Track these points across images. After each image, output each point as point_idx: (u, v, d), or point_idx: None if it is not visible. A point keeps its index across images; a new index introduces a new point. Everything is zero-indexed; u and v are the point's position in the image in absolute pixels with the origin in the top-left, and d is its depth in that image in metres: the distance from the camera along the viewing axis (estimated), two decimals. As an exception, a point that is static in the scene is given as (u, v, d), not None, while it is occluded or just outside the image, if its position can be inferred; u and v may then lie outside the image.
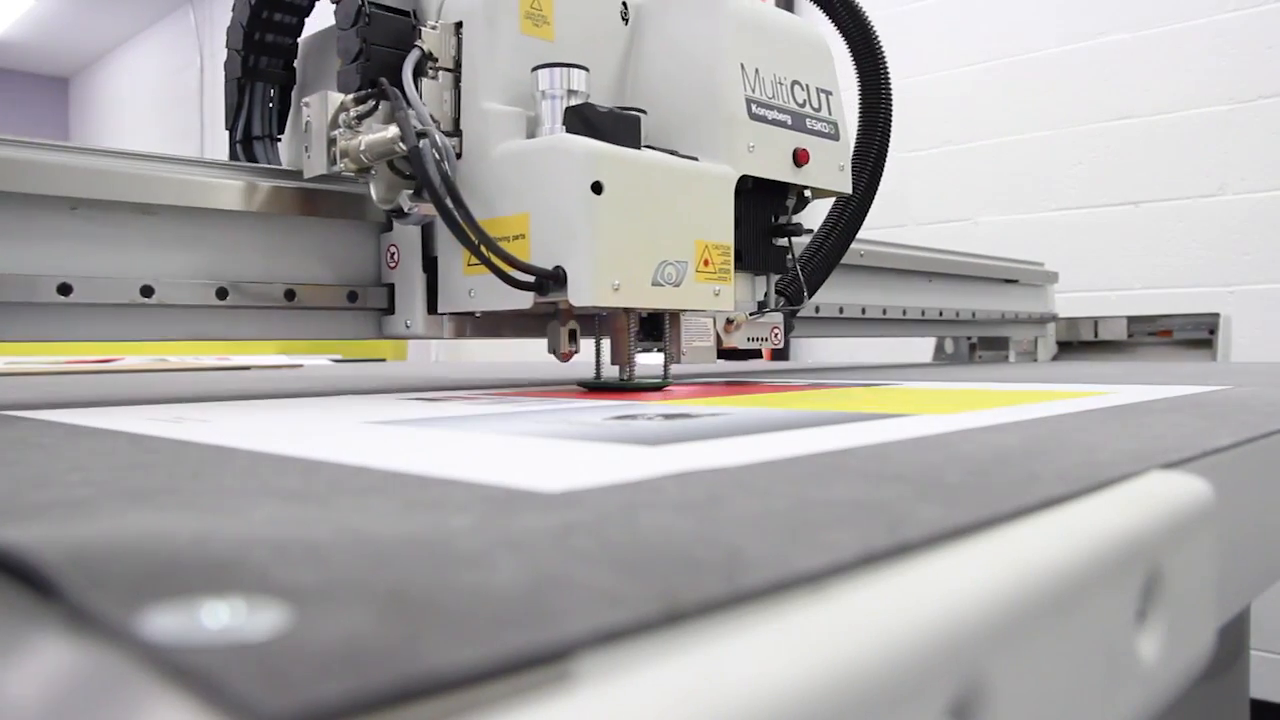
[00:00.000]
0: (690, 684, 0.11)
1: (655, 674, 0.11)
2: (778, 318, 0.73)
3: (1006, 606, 0.15)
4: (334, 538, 0.17)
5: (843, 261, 0.99)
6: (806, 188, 0.71)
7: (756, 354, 0.73)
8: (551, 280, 0.55)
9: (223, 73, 0.79)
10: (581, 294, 0.55)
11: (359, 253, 0.70)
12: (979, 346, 1.49)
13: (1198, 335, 1.41)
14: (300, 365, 1.53)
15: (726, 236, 0.63)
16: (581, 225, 0.55)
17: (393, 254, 0.69)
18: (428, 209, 0.60)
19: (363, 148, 0.58)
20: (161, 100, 5.15)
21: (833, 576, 0.15)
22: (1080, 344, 1.50)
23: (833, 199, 0.80)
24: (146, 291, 0.59)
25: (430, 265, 0.67)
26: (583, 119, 0.58)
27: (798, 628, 0.12)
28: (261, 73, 0.77)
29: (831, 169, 0.72)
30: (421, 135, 0.55)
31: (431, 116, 0.59)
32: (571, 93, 0.60)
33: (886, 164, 0.83)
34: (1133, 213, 1.85)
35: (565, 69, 0.60)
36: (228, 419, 0.43)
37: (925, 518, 0.18)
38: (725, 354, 0.70)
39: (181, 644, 0.11)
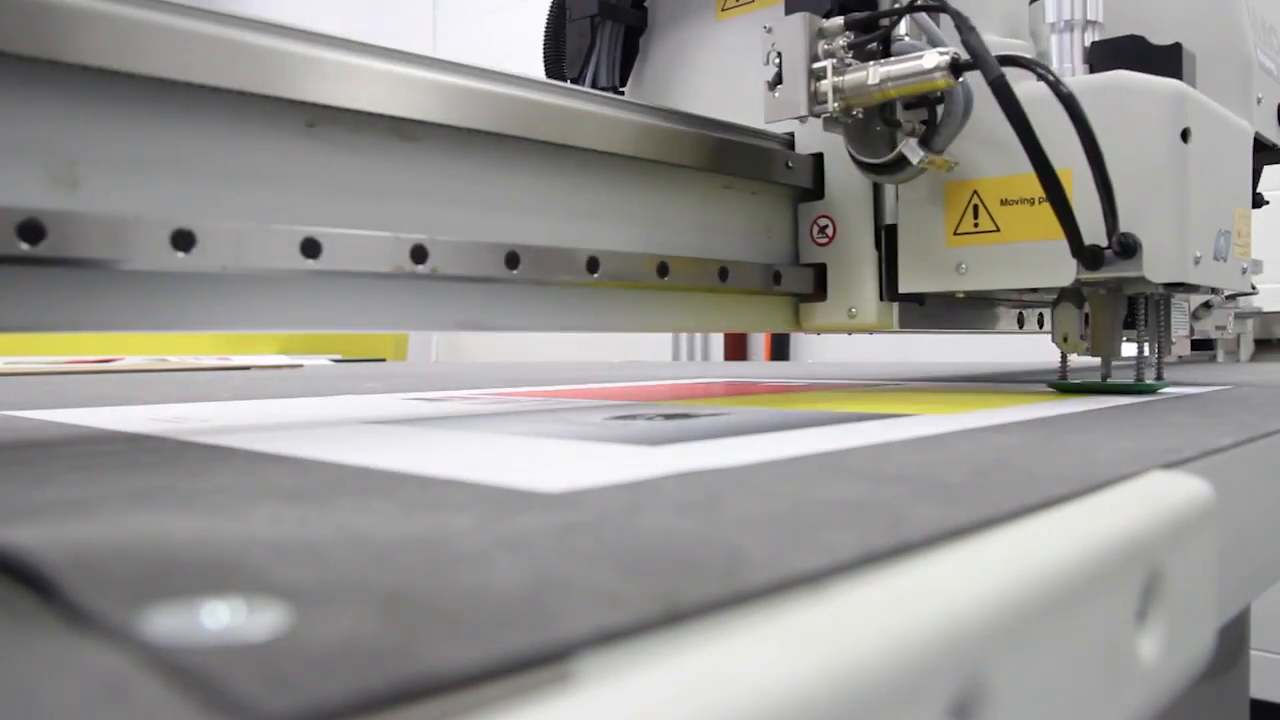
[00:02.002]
0: (690, 684, 0.11)
1: (655, 674, 0.11)
2: (1236, 304, 0.61)
3: (1006, 606, 0.15)
4: (334, 538, 0.17)
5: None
6: (1271, 151, 0.60)
7: (1211, 345, 0.61)
8: (1117, 249, 0.45)
9: (565, 11, 0.67)
10: (1160, 268, 0.45)
11: (778, 226, 0.56)
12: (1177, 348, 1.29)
13: None
14: (300, 365, 1.53)
15: (1248, 204, 0.53)
16: (1165, 183, 0.46)
17: (824, 227, 0.56)
18: (942, 161, 0.50)
19: (876, 81, 0.47)
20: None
21: (833, 576, 0.15)
22: (1277, 342, 1.26)
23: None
24: (595, 266, 0.45)
25: (890, 240, 0.55)
26: (1126, 53, 0.48)
27: (798, 628, 0.12)
28: (615, 10, 0.65)
29: None
30: (1011, 61, 0.45)
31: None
32: (1091, 24, 0.50)
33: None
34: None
35: None
36: (228, 419, 0.43)
37: (925, 518, 0.18)
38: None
39: (181, 644, 0.11)
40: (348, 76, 0.38)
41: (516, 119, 0.43)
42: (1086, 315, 0.53)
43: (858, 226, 0.55)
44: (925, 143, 0.49)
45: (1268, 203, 0.66)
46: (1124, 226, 0.45)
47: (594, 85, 0.66)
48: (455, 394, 0.63)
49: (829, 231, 0.56)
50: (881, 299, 0.55)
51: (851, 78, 0.48)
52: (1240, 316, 1.20)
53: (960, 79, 0.46)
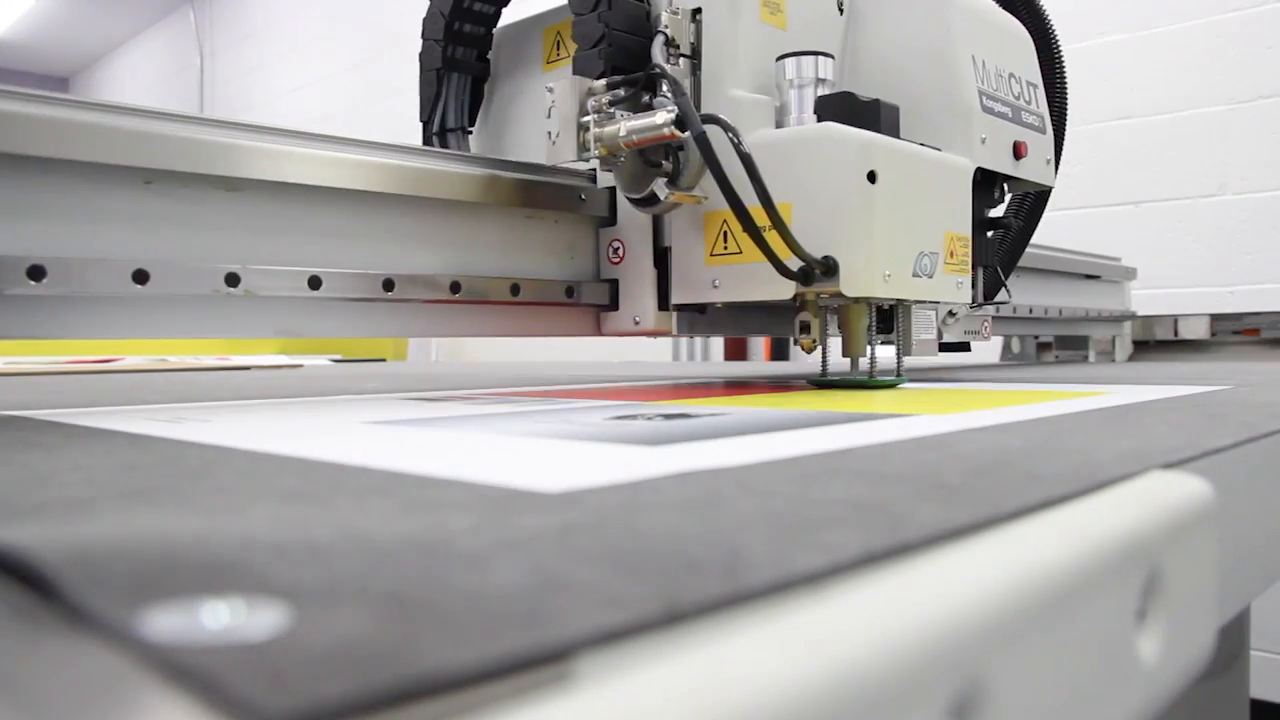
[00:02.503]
0: (690, 684, 0.11)
1: (655, 674, 0.11)
2: (989, 311, 0.73)
3: (1006, 606, 0.15)
4: (334, 538, 0.17)
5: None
6: (1020, 180, 0.71)
7: (966, 348, 0.74)
8: (821, 270, 0.55)
9: (418, 64, 0.78)
10: (855, 284, 0.55)
11: (579, 247, 0.67)
12: (1055, 346, 1.41)
13: None
14: (300, 365, 1.53)
15: (967, 229, 0.63)
16: (856, 215, 0.55)
17: (617, 248, 0.66)
18: (683, 196, 0.59)
19: (624, 134, 0.56)
20: (162, 100, 5.16)
21: (833, 576, 0.15)
22: (1158, 343, 1.43)
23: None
24: (391, 286, 0.56)
25: (660, 259, 0.64)
26: (840, 107, 0.57)
27: (798, 628, 0.12)
28: (458, 63, 0.76)
29: (1040, 161, 0.72)
30: (711, 120, 0.54)
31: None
32: (820, 81, 0.60)
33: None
34: (1133, 212, 1.85)
35: (814, 57, 0.60)
36: (228, 419, 0.43)
37: (925, 518, 0.18)
38: (941, 348, 0.71)
39: (181, 644, 0.11)
40: (176, 145, 0.49)
41: (320, 172, 0.54)
42: (837, 320, 0.64)
43: (641, 248, 0.65)
44: (673, 182, 0.60)
45: (1009, 225, 0.76)
46: (826, 250, 0.55)
47: (443, 127, 0.77)
48: (455, 394, 0.63)
49: (620, 252, 0.66)
50: (660, 309, 0.65)
51: (607, 130, 0.57)
52: (1117, 320, 1.38)
53: (685, 132, 0.54)
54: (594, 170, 0.66)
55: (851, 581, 0.15)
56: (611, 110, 0.58)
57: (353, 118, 3.69)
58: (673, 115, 0.54)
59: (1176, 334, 1.42)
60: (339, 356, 1.86)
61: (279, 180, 0.53)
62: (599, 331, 0.67)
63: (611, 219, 0.67)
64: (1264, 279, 1.72)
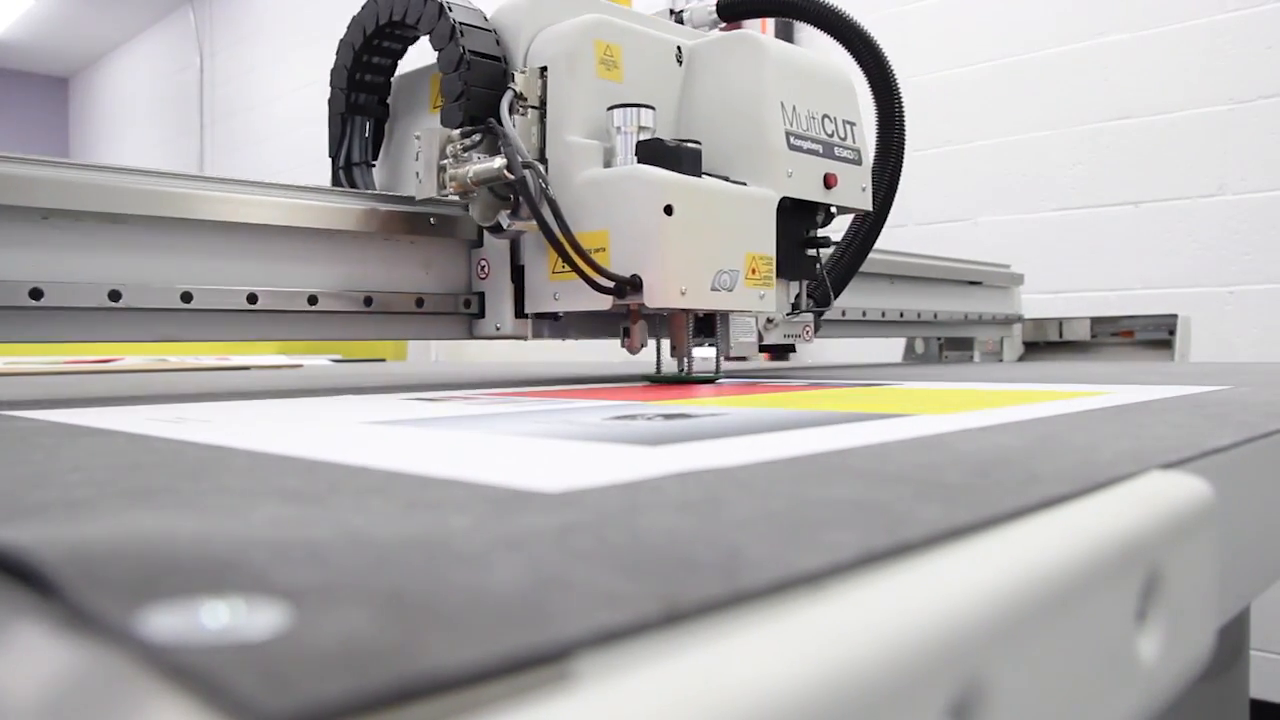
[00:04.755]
0: (690, 684, 0.11)
1: (655, 674, 0.11)
2: (808, 318, 0.84)
3: (1006, 606, 0.15)
4: (334, 538, 0.17)
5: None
6: (833, 206, 0.82)
7: (791, 349, 0.85)
8: (629, 286, 0.66)
9: (327, 106, 0.90)
10: (655, 297, 0.66)
11: (454, 266, 0.80)
12: (945, 347, 1.52)
13: (1158, 336, 1.46)
14: (300, 365, 1.53)
15: (769, 249, 0.74)
16: (655, 241, 0.65)
17: (483, 266, 0.79)
18: (522, 225, 0.71)
19: (471, 176, 0.68)
20: (162, 100, 5.16)
21: (833, 576, 0.15)
22: (1047, 344, 1.55)
23: (853, 214, 0.91)
24: (255, 299, 0.69)
25: (517, 274, 0.77)
26: (653, 151, 0.68)
27: (798, 628, 0.12)
28: (361, 107, 0.89)
29: (855, 190, 0.83)
30: (527, 166, 0.66)
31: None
32: (642, 128, 0.70)
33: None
34: (1133, 213, 1.85)
35: (636, 109, 0.70)
36: (228, 419, 0.43)
37: (925, 518, 0.18)
38: (765, 349, 0.81)
39: (181, 644, 0.11)
40: (65, 187, 0.61)
41: (191, 208, 0.66)
42: (641, 328, 0.74)
43: (500, 267, 0.78)
44: (514, 214, 0.71)
45: (835, 243, 0.88)
46: (635, 269, 0.66)
47: (348, 161, 0.88)
48: (455, 394, 0.63)
49: (486, 269, 0.80)
50: (518, 317, 0.78)
51: (459, 171, 0.69)
52: (1006, 322, 1.50)
53: (526, 172, 0.66)
54: (466, 203, 0.77)
55: (851, 581, 0.15)
56: (468, 154, 0.69)
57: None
58: (504, 161, 0.66)
59: (1062, 335, 1.53)
60: (339, 357, 1.86)
61: (158, 215, 0.65)
62: (471, 335, 0.81)
63: (479, 242, 0.80)
64: (1264, 279, 1.72)
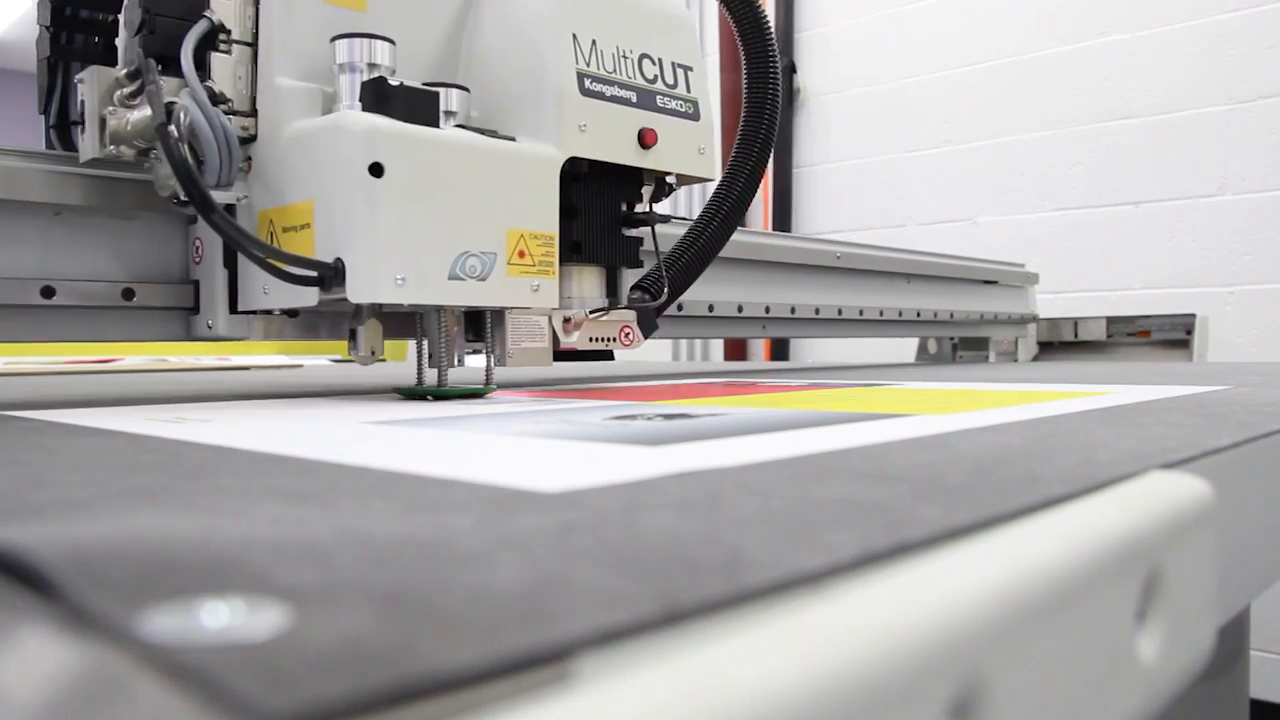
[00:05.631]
0: (690, 684, 0.11)
1: (655, 674, 0.11)
2: (628, 315, 0.65)
3: (1006, 606, 0.15)
4: (334, 538, 0.17)
5: (817, 264, 0.94)
6: (656, 172, 0.64)
7: (608, 355, 0.66)
8: (331, 273, 0.49)
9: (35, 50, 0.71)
10: (359, 289, 0.48)
11: (160, 247, 0.61)
12: (960, 347, 1.51)
13: (1175, 336, 1.45)
14: (300, 365, 1.53)
15: (549, 225, 0.56)
16: (360, 212, 0.48)
17: (197, 247, 0.60)
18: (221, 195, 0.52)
19: (128, 127, 0.52)
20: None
21: (833, 576, 0.15)
22: (1061, 344, 1.53)
23: (710, 187, 0.71)
24: None
25: (232, 260, 0.58)
26: (375, 94, 0.51)
27: (798, 628, 0.12)
28: (75, 51, 0.68)
29: (689, 152, 0.64)
30: (169, 109, 0.49)
31: (223, 94, 0.53)
32: (373, 66, 0.53)
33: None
34: (1133, 213, 1.85)
35: (367, 40, 0.53)
36: (228, 419, 0.43)
37: (925, 518, 0.18)
38: (566, 355, 0.62)
39: (181, 644, 0.11)
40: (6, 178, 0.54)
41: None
42: (353, 331, 0.57)
43: (213, 248, 0.59)
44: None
45: (677, 219, 0.68)
46: (336, 253, 0.49)
47: (63, 120, 0.69)
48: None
49: (200, 252, 0.60)
50: (233, 313, 0.59)
51: (118, 124, 0.53)
52: (1021, 322, 1.47)
53: (179, 121, 0.49)
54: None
55: (851, 581, 0.15)
56: (134, 101, 0.53)
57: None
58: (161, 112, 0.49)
59: (1077, 335, 1.52)
60: (339, 357, 1.86)
61: None
62: (190, 337, 0.62)
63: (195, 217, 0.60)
64: (1264, 279, 1.72)
